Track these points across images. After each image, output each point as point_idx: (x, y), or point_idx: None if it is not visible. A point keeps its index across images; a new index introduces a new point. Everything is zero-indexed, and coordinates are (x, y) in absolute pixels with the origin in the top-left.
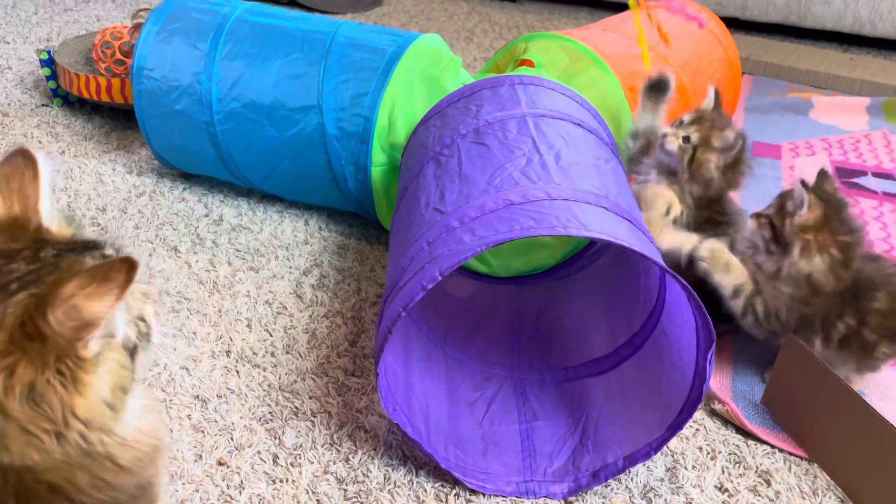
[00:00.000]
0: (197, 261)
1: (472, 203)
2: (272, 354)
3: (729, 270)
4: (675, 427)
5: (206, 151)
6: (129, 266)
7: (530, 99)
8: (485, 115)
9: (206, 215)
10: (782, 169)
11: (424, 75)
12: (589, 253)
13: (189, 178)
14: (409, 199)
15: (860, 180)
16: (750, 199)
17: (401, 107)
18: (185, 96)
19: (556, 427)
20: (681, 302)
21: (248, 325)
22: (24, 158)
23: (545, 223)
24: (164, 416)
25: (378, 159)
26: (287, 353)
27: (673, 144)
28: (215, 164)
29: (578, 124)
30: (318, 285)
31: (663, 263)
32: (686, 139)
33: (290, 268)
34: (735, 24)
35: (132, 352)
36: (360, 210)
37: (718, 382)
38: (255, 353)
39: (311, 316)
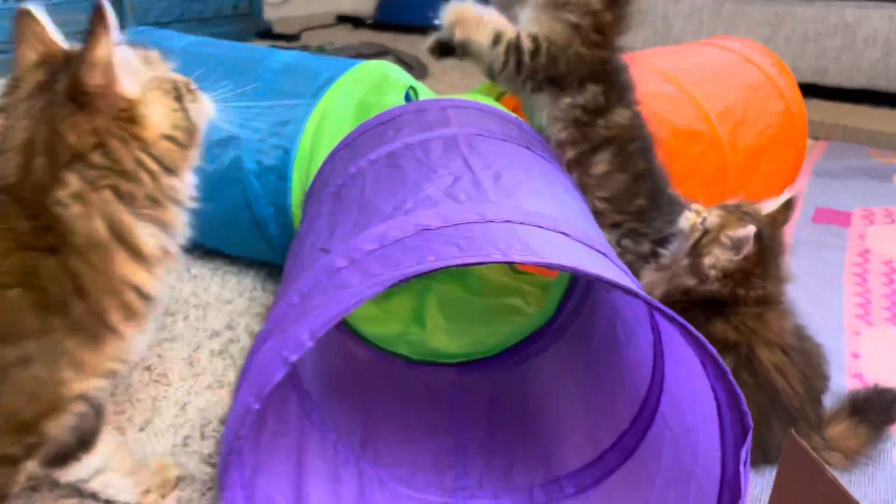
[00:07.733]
0: None
1: (367, 233)
2: (124, 430)
3: (482, 24)
4: None
5: None
6: (98, 12)
7: (464, 120)
8: (404, 136)
9: None
10: (849, 238)
11: (362, 103)
12: (554, 327)
13: None
14: (295, 248)
15: None
16: (807, 269)
17: (328, 138)
18: None
19: None
20: (689, 374)
21: (112, 394)
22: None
23: (474, 249)
24: None
25: (300, 199)
26: (141, 430)
27: (687, 222)
28: None
29: (528, 147)
30: (219, 351)
31: (656, 303)
32: (704, 220)
33: (197, 330)
34: (813, 91)
35: (180, 100)
36: None
37: None
38: None
39: (191, 387)
